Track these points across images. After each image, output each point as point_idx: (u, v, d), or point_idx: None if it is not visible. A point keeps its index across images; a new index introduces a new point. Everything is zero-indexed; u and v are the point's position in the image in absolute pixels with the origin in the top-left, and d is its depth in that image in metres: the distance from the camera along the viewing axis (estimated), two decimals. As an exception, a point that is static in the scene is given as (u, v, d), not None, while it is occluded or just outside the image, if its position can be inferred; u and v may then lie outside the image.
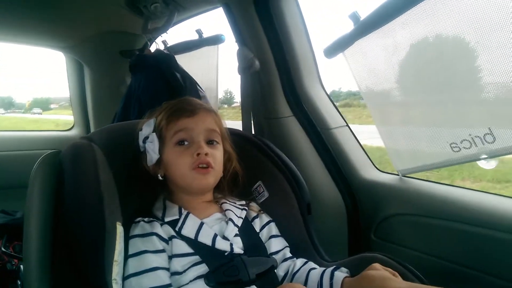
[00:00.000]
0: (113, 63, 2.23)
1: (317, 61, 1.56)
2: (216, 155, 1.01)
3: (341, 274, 0.92)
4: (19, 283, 1.49)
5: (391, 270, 0.85)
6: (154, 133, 1.01)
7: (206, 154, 0.97)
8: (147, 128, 1.02)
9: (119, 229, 0.86)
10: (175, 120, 1.01)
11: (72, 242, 0.83)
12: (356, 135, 1.56)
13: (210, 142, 1.02)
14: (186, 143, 0.99)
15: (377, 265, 0.86)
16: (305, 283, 0.96)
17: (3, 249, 1.64)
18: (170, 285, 0.86)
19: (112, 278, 0.79)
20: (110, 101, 2.19)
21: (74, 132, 2.64)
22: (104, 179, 0.89)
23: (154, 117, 1.05)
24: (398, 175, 1.38)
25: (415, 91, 1.29)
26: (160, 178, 1.02)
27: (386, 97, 1.34)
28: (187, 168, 0.97)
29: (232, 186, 1.13)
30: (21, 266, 1.42)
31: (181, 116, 1.01)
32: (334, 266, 0.96)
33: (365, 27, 1.22)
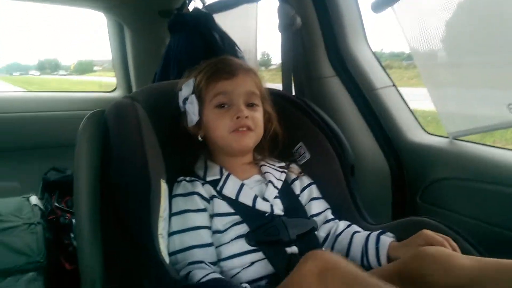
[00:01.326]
0: (152, 23, 2.22)
1: (363, 18, 1.47)
2: (256, 117, 1.00)
3: (387, 238, 0.91)
4: (72, 235, 1.58)
5: (442, 235, 0.82)
6: (194, 95, 1.00)
7: (246, 117, 0.96)
8: (186, 89, 1.02)
9: (164, 186, 0.88)
10: (214, 82, 1.00)
11: (119, 199, 0.86)
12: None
13: (250, 105, 1.00)
14: (225, 106, 0.98)
15: (427, 231, 0.83)
16: (349, 246, 0.95)
17: (56, 204, 1.73)
18: (211, 244, 0.88)
19: (158, 232, 0.81)
20: (150, 62, 2.19)
21: (116, 94, 2.69)
22: (148, 137, 0.90)
23: (193, 77, 1.03)
24: (447, 137, 1.31)
25: (470, 50, 1.21)
26: (200, 139, 1.02)
27: (438, 56, 1.25)
28: (226, 130, 0.97)
29: (273, 147, 1.11)
30: (73, 220, 1.49)
31: (220, 78, 1.00)
32: (379, 230, 0.94)
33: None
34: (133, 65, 2.48)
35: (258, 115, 1.02)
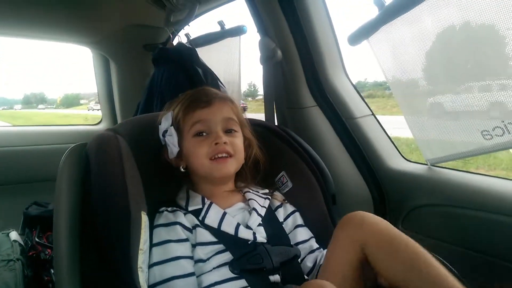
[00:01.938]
0: (137, 57, 2.26)
1: (341, 50, 1.52)
2: (235, 143, 1.01)
3: None
4: (52, 271, 1.54)
5: None
6: (172, 127, 1.02)
7: (224, 143, 0.97)
8: (165, 122, 1.03)
9: (144, 218, 0.87)
10: (191, 112, 1.02)
11: (99, 232, 0.85)
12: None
13: (228, 131, 1.02)
14: (204, 134, 1.00)
15: None
16: None
17: (36, 239, 1.69)
18: (193, 273, 0.87)
19: (138, 266, 0.80)
20: (136, 94, 2.21)
21: (102, 126, 2.70)
22: (129, 169, 0.91)
23: (171, 110, 1.05)
24: (426, 164, 1.34)
25: (444, 79, 1.25)
26: (182, 170, 1.03)
27: (413, 85, 1.30)
28: (205, 157, 0.98)
29: (255, 173, 1.12)
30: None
31: (197, 108, 1.02)
32: None
33: (391, 12, 1.18)
34: (118, 98, 2.50)
35: (237, 141, 1.03)
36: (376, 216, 0.86)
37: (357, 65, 1.59)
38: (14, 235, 1.61)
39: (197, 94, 1.07)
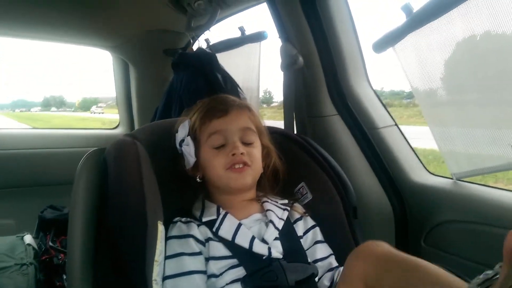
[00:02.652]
0: (157, 62, 2.26)
1: (364, 58, 1.49)
2: (253, 153, 0.98)
3: None
4: (64, 277, 1.53)
5: None
6: (189, 137, 0.99)
7: (242, 154, 0.94)
8: (182, 131, 1.01)
9: (160, 228, 0.85)
10: (208, 122, 0.99)
11: (114, 240, 0.83)
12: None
13: (245, 142, 0.99)
14: (221, 144, 0.97)
15: None
16: None
17: (50, 243, 1.69)
18: None
19: (153, 278, 0.77)
20: (154, 99, 2.21)
21: (119, 131, 2.70)
22: (147, 177, 0.88)
23: (188, 118, 1.03)
24: (452, 178, 1.28)
25: (473, 89, 1.20)
26: (199, 180, 1.00)
27: (440, 95, 1.25)
28: (222, 168, 0.95)
29: (273, 182, 1.09)
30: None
31: (213, 117, 0.99)
32: None
33: (419, 19, 1.14)
34: (136, 102, 2.51)
35: (255, 151, 1.00)
36: (389, 247, 0.76)
37: (374, 73, 1.55)
38: (28, 238, 1.62)
39: (214, 102, 1.04)
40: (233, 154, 0.94)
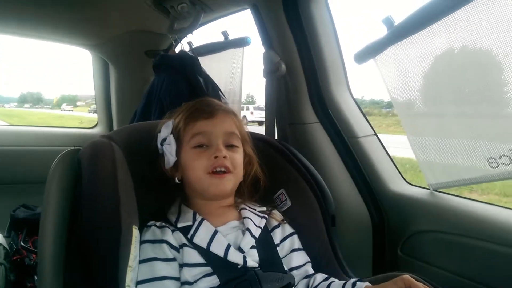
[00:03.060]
0: (138, 63, 2.24)
1: (346, 67, 1.50)
2: (235, 158, 0.97)
3: (363, 283, 0.88)
4: (36, 278, 1.48)
5: (423, 284, 0.79)
6: (172, 135, 0.98)
7: (224, 157, 0.93)
8: (165, 130, 1.00)
9: (135, 233, 0.83)
10: (192, 123, 0.98)
11: (85, 244, 0.80)
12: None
13: (229, 146, 0.98)
14: (204, 146, 0.96)
15: (408, 277, 0.81)
16: None
17: (22, 243, 1.64)
18: None
19: (126, 284, 0.75)
20: (134, 100, 2.19)
21: (97, 130, 2.66)
22: (122, 179, 0.86)
23: (172, 119, 1.02)
24: (429, 189, 1.31)
25: (451, 102, 1.22)
26: (177, 181, 0.99)
27: (419, 106, 1.27)
28: (203, 171, 0.93)
29: (253, 191, 1.08)
30: (38, 262, 1.41)
31: (199, 118, 0.98)
32: (356, 279, 0.91)
33: (400, 32, 1.16)
34: (115, 102, 2.47)
35: (237, 156, 0.99)
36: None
37: (355, 82, 1.57)
38: (-1, 238, 1.56)
39: (200, 104, 1.03)
40: (216, 157, 0.93)
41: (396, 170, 1.45)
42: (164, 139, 0.99)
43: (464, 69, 1.14)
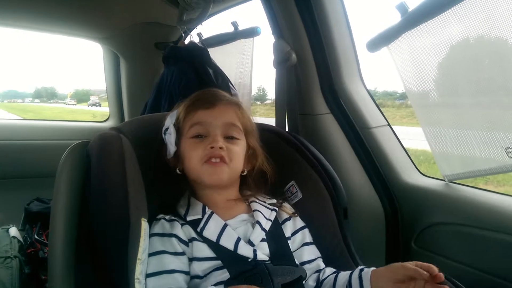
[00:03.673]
0: (148, 55, 2.23)
1: (359, 57, 1.47)
2: (234, 150, 0.95)
3: (369, 268, 0.87)
4: (49, 270, 1.50)
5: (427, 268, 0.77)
6: (173, 125, 0.97)
7: (220, 148, 0.92)
8: (169, 120, 0.99)
9: (144, 225, 0.82)
10: (192, 112, 0.97)
11: (94, 238, 0.80)
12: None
13: (229, 137, 0.96)
14: (202, 136, 0.95)
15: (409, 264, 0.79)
16: (334, 285, 0.90)
17: (36, 236, 1.66)
18: None
19: (135, 277, 0.75)
20: (144, 93, 2.19)
21: (109, 124, 2.67)
22: (131, 172, 0.86)
23: (177, 109, 1.01)
24: (444, 180, 1.27)
25: (468, 91, 1.18)
26: (178, 172, 0.98)
27: (434, 96, 1.23)
28: (198, 160, 0.92)
29: (259, 184, 1.06)
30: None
31: (198, 108, 0.97)
32: (364, 266, 0.90)
33: (414, 18, 1.12)
34: (127, 95, 2.48)
35: (236, 148, 0.96)
36: None
37: (368, 73, 1.54)
38: (13, 231, 1.58)
39: (203, 94, 1.02)
40: (212, 147, 0.92)
41: (410, 161, 1.42)
42: (167, 129, 0.98)
43: (481, 57, 1.10)
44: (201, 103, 0.98)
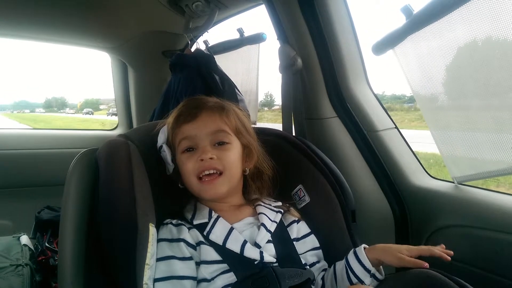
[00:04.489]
0: (155, 63, 2.25)
1: (364, 60, 1.47)
2: (226, 157, 0.95)
3: (361, 246, 0.92)
4: (59, 278, 1.51)
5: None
6: (165, 144, 0.99)
7: (211, 158, 0.92)
8: (161, 136, 1.01)
9: (152, 231, 0.83)
10: (178, 128, 0.98)
11: (103, 244, 0.81)
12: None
13: (220, 143, 0.96)
14: (192, 149, 0.96)
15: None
16: (334, 272, 0.94)
17: (46, 244, 1.68)
18: None
19: (144, 282, 0.75)
20: (152, 101, 2.20)
21: (117, 132, 2.69)
22: (138, 178, 0.87)
23: (166, 124, 1.03)
24: (453, 182, 1.26)
25: (476, 93, 1.17)
26: (180, 186, 0.99)
27: (442, 99, 1.22)
28: (192, 175, 0.93)
29: (262, 185, 1.06)
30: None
31: (183, 123, 0.98)
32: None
33: (419, 21, 1.12)
34: (135, 103, 2.50)
35: (228, 154, 0.96)
36: None
37: (375, 77, 1.53)
38: (24, 239, 1.60)
39: (185, 107, 1.02)
40: (202, 160, 0.92)
41: (418, 163, 1.40)
42: (161, 147, 0.99)
43: (488, 59, 1.09)
44: (184, 116, 0.99)
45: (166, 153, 0.97)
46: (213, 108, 1.01)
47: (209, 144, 0.95)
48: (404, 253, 0.85)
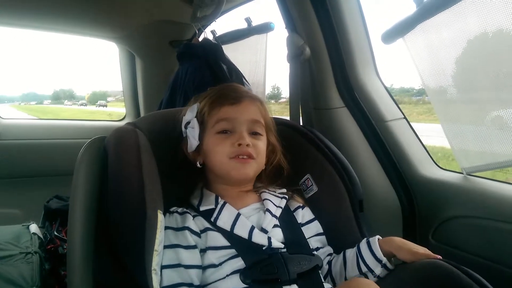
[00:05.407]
0: (163, 53, 2.25)
1: (374, 50, 1.45)
2: (259, 146, 0.97)
3: (375, 237, 0.92)
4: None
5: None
6: (195, 119, 0.98)
7: (247, 145, 0.92)
8: (190, 114, 0.99)
9: (160, 217, 0.83)
10: (217, 108, 0.97)
11: (112, 230, 0.81)
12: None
13: (253, 133, 0.97)
14: (228, 132, 0.95)
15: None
16: (344, 260, 0.94)
17: (55, 233, 1.69)
18: (198, 286, 0.83)
19: (152, 268, 0.76)
20: (160, 91, 2.20)
21: (125, 122, 2.70)
22: (147, 165, 0.87)
23: (198, 102, 1.01)
24: (462, 173, 1.25)
25: (487, 84, 1.16)
26: (199, 165, 0.98)
27: (453, 90, 1.21)
28: (225, 156, 0.93)
29: (273, 178, 1.07)
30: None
31: (224, 104, 0.97)
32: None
33: (430, 8, 1.10)
34: (142, 94, 2.50)
35: (260, 144, 0.98)
36: None
37: (383, 69, 1.52)
38: (33, 227, 1.61)
39: (226, 89, 1.03)
40: (239, 144, 0.92)
41: (427, 154, 1.39)
42: (188, 122, 0.98)
43: (500, 49, 1.07)
44: (226, 98, 0.98)
45: (195, 129, 0.96)
46: (254, 97, 1.03)
47: (246, 131, 0.96)
48: (420, 250, 0.86)
